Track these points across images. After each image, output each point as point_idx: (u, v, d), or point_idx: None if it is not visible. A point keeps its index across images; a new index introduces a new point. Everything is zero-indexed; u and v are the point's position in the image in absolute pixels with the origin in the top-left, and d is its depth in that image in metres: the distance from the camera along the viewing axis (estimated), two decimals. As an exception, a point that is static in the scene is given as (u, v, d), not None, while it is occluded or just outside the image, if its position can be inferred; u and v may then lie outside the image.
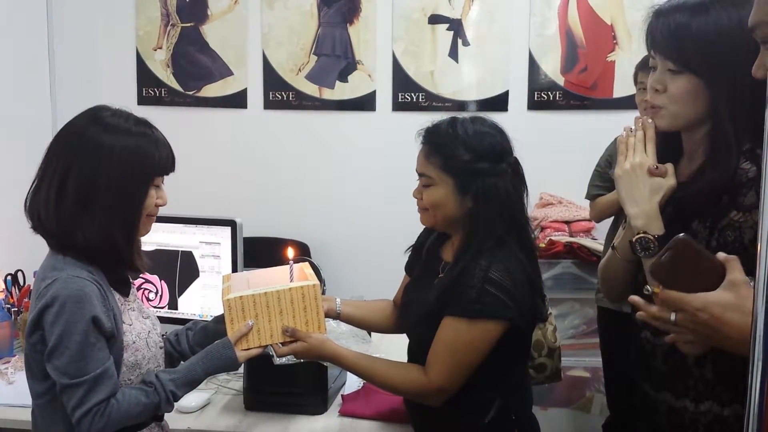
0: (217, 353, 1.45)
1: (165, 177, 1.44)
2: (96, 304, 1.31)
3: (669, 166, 1.24)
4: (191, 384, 1.43)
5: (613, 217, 2.62)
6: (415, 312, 1.56)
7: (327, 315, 1.67)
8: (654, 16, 1.26)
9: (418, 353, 1.53)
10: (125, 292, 1.45)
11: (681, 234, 0.98)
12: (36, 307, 1.31)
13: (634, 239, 1.22)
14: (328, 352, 1.51)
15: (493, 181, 1.45)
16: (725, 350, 1.00)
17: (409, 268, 1.72)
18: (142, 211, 1.39)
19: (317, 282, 1.53)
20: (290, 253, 1.64)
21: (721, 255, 0.99)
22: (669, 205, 1.26)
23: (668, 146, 1.29)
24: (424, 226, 1.67)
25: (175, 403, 1.42)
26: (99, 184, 1.33)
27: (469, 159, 1.45)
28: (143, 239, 1.99)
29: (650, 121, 1.27)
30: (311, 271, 1.62)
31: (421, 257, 1.66)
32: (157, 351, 1.48)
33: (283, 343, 1.50)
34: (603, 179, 2.65)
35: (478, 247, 1.45)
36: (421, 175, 1.52)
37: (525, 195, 1.53)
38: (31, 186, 1.39)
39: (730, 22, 1.17)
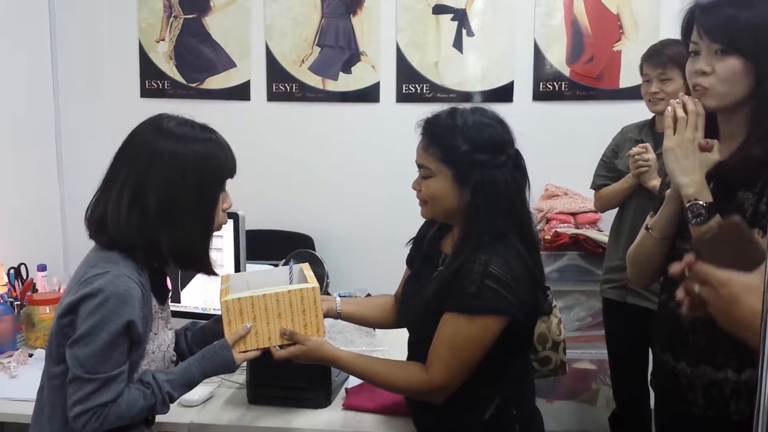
0: (215, 355, 1.44)
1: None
2: (136, 308, 1.32)
3: (715, 142, 1.33)
4: (188, 385, 1.43)
5: (617, 209, 2.60)
6: (413, 306, 1.55)
7: (327, 315, 1.66)
8: (698, 8, 1.35)
9: (418, 348, 1.51)
10: (162, 299, 1.46)
11: (735, 216, 1.00)
12: (78, 291, 1.31)
13: (687, 205, 1.30)
14: (327, 355, 1.50)
15: (493, 173, 1.43)
16: (734, 335, 0.98)
17: (410, 260, 1.70)
18: (217, 214, 1.42)
19: (317, 285, 1.52)
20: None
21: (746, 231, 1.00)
22: (711, 180, 1.33)
23: (705, 129, 1.35)
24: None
25: (178, 398, 1.41)
26: (178, 194, 1.36)
27: (467, 150, 1.43)
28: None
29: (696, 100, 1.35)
30: (311, 273, 1.61)
31: (422, 250, 1.64)
32: (169, 365, 1.49)
33: (281, 346, 1.49)
34: (608, 169, 2.62)
35: (477, 240, 1.43)
36: (420, 166, 1.50)
37: (527, 188, 1.50)
38: (94, 197, 1.41)
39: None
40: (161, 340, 1.44)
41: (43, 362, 1.88)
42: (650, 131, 2.53)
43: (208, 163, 1.39)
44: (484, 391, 1.47)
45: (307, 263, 1.69)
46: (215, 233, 1.46)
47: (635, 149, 2.40)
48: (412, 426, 1.70)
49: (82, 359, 1.29)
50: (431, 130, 1.48)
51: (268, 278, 1.63)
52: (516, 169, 1.47)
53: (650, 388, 2.72)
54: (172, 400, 1.40)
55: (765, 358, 0.76)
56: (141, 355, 1.38)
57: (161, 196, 1.35)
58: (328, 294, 2.06)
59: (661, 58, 2.39)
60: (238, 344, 1.47)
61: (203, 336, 1.58)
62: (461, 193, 1.44)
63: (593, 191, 2.71)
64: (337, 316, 1.71)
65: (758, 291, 0.93)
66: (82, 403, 1.29)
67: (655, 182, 2.31)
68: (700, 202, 1.28)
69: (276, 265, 2.16)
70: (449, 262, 1.47)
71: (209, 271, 1.46)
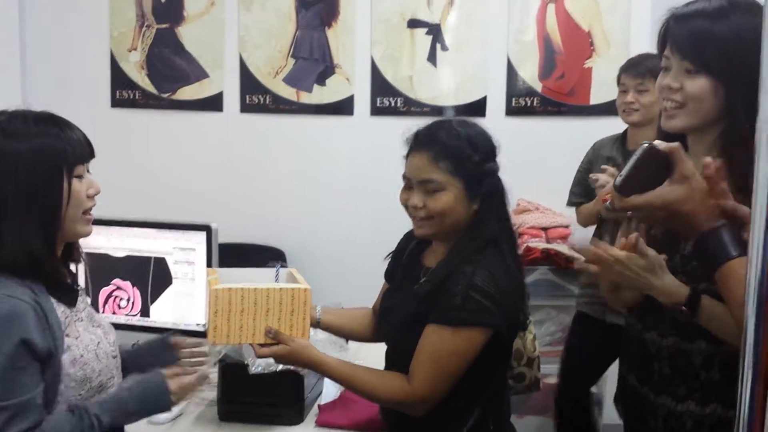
0: (153, 396, 1.37)
1: (91, 166, 1.37)
2: (29, 325, 1.23)
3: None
4: (120, 411, 1.33)
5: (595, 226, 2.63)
6: (395, 318, 1.54)
7: None
8: (673, 20, 1.29)
9: (397, 360, 1.50)
10: (71, 302, 1.37)
11: (644, 142, 0.99)
12: None
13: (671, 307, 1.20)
14: (310, 358, 1.46)
15: (496, 180, 1.46)
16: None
17: (389, 274, 1.69)
18: (61, 212, 1.30)
19: (309, 287, 1.49)
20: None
21: (662, 144, 0.99)
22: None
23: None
24: (404, 231, 1.64)
25: (109, 424, 1.31)
26: (8, 192, 1.26)
27: (479, 159, 1.44)
28: (117, 244, 1.99)
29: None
30: (302, 277, 1.58)
31: (402, 263, 1.63)
32: (110, 361, 1.41)
33: (263, 345, 1.46)
34: (581, 186, 2.65)
35: (465, 252, 1.43)
36: (424, 181, 1.45)
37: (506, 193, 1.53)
38: None
39: (748, 28, 1.20)
40: (87, 341, 1.36)
41: None
42: (621, 146, 2.56)
43: (39, 157, 1.28)
44: (463, 403, 1.46)
45: (295, 268, 1.67)
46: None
47: (593, 176, 2.42)
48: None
49: None
50: (437, 142, 1.45)
51: (254, 277, 1.60)
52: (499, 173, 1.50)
53: (593, 401, 2.77)
54: (102, 426, 1.29)
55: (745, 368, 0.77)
56: (58, 368, 1.28)
57: None
58: None
59: (640, 69, 2.42)
60: (221, 336, 1.44)
61: (137, 356, 1.54)
62: (470, 203, 1.44)
63: (569, 206, 2.74)
64: (317, 324, 1.68)
65: (690, 198, 0.98)
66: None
67: None
68: (683, 308, 1.18)
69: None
70: (433, 273, 1.46)
71: (58, 277, 1.34)
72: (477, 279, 1.38)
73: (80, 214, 1.34)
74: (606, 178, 2.31)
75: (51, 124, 1.32)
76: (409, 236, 1.63)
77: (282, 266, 1.62)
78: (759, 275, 0.71)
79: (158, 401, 1.39)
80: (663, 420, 1.33)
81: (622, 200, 0.99)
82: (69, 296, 1.37)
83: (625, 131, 2.56)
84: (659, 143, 0.99)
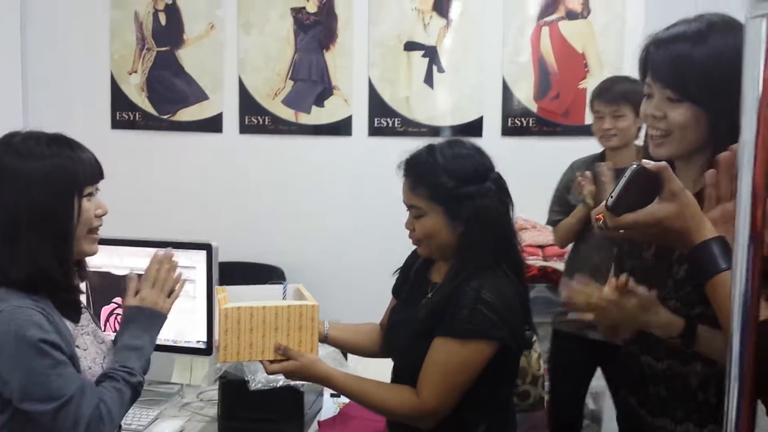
0: (143, 319, 1.44)
1: (100, 187, 1.40)
2: (48, 329, 1.27)
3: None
4: (133, 349, 1.40)
5: (573, 244, 2.64)
6: (402, 333, 1.55)
7: None
8: (653, 45, 1.27)
9: (404, 375, 1.51)
10: (75, 318, 1.41)
11: (634, 163, 1.00)
12: None
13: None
14: (320, 372, 1.48)
15: (481, 201, 1.45)
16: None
17: (397, 290, 1.71)
18: (73, 231, 1.33)
19: (316, 303, 1.52)
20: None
21: (651, 164, 1.00)
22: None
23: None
24: (406, 249, 1.66)
25: (138, 366, 1.39)
26: (21, 213, 1.29)
27: (453, 185, 1.45)
28: (118, 263, 2.01)
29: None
30: (309, 294, 1.61)
31: (409, 279, 1.66)
32: None
33: (273, 361, 1.48)
34: (561, 204, 2.66)
35: (470, 268, 1.45)
36: (410, 206, 1.51)
37: (511, 208, 1.53)
38: None
39: (728, 49, 1.18)
40: (94, 354, 1.40)
41: None
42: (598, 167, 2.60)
43: (52, 178, 1.31)
44: (469, 418, 1.47)
45: (301, 284, 1.69)
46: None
47: (579, 178, 2.46)
48: (385, 457, 1.70)
49: (45, 398, 1.24)
50: (414, 170, 1.50)
51: (262, 294, 1.62)
52: (500, 191, 1.50)
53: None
54: (133, 370, 1.37)
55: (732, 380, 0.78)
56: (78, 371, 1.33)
57: (6, 219, 1.29)
58: None
59: (613, 94, 2.44)
60: (232, 354, 1.47)
61: None
62: (455, 226, 1.46)
63: (549, 225, 2.75)
64: (324, 339, 1.70)
65: (680, 215, 0.99)
66: (79, 421, 1.26)
67: None
68: (677, 338, 1.19)
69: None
70: (440, 289, 1.49)
71: (71, 291, 1.37)
72: (483, 293, 1.41)
73: (87, 233, 1.37)
74: (590, 188, 2.40)
75: (63, 145, 1.36)
76: (416, 253, 1.65)
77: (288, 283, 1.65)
78: (743, 290, 0.73)
79: (149, 320, 1.45)
80: None
81: (614, 219, 1.01)
82: (74, 313, 1.40)
83: (603, 152, 2.60)
84: (648, 163, 1.01)
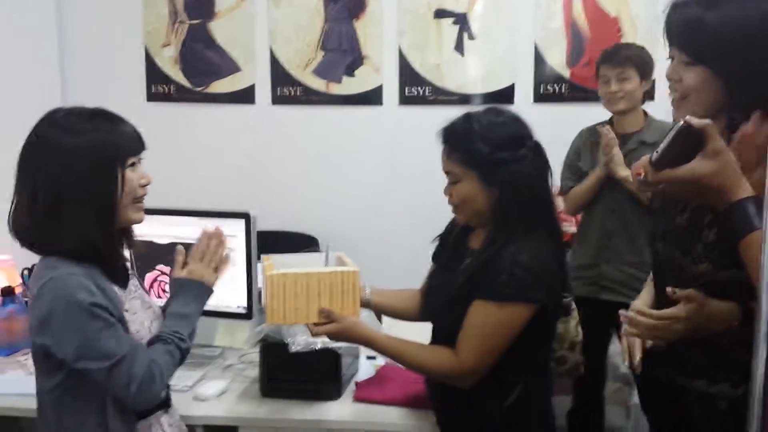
0: (191, 291, 1.52)
1: (141, 158, 1.46)
2: (95, 293, 1.33)
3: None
4: (183, 317, 1.48)
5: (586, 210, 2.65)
6: (441, 297, 1.60)
7: None
8: (671, 9, 1.29)
9: (443, 337, 1.56)
10: (123, 284, 1.47)
11: (681, 120, 1.00)
12: (37, 309, 1.33)
13: None
14: (362, 334, 1.55)
15: (515, 167, 1.48)
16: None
17: (437, 257, 1.75)
18: (116, 200, 1.39)
19: (357, 269, 1.59)
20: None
21: (696, 121, 1.00)
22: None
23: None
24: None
25: (186, 333, 1.47)
26: (66, 185, 1.34)
27: (488, 151, 1.48)
28: (161, 231, 2.07)
29: None
30: (350, 260, 1.68)
31: (448, 246, 1.70)
32: None
33: (317, 324, 1.56)
34: (573, 171, 2.68)
35: (507, 233, 1.48)
36: (447, 173, 1.56)
37: (549, 176, 1.56)
38: (11, 203, 1.40)
39: (743, 15, 1.20)
40: (142, 318, 1.47)
41: None
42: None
43: (95, 149, 1.36)
44: (506, 379, 1.52)
45: (343, 252, 1.75)
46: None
47: (606, 136, 2.47)
48: (419, 417, 1.76)
49: (98, 356, 1.31)
50: (450, 137, 1.54)
51: (306, 261, 1.72)
52: (537, 158, 1.53)
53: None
54: (182, 335, 1.45)
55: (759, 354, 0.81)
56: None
57: (49, 191, 1.34)
58: None
59: (619, 58, 2.49)
60: (278, 317, 1.56)
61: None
62: (490, 192, 1.50)
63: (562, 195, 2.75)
64: (367, 304, 1.77)
65: (721, 172, 1.00)
66: (133, 380, 1.33)
67: (625, 173, 2.40)
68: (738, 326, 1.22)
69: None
70: (479, 254, 1.53)
71: (115, 258, 1.44)
72: (521, 257, 1.44)
73: (132, 202, 1.43)
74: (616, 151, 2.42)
75: (104, 119, 1.41)
76: (455, 220, 1.69)
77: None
78: None
79: (198, 291, 1.53)
80: (699, 402, 1.35)
81: (656, 174, 1.02)
82: (122, 278, 1.47)
83: (611, 118, 2.60)
84: (693, 120, 1.01)
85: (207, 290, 1.55)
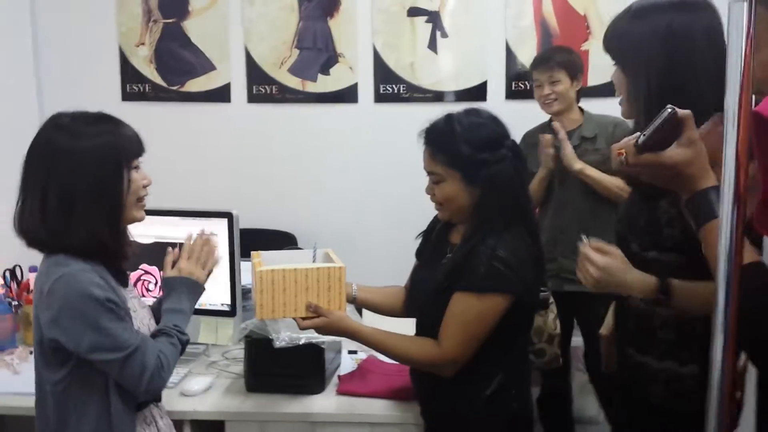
0: (186, 288, 1.59)
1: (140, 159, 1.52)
2: (107, 289, 1.40)
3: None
4: (180, 312, 1.56)
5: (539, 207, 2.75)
6: (424, 290, 1.67)
7: None
8: (611, 22, 1.47)
9: (426, 329, 1.63)
10: (124, 283, 1.54)
11: (668, 107, 1.06)
12: (49, 306, 1.38)
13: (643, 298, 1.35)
14: (348, 327, 1.62)
15: (497, 167, 1.55)
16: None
17: (419, 253, 1.82)
18: (123, 200, 1.46)
19: (343, 265, 1.65)
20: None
21: (679, 111, 1.06)
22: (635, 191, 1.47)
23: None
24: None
25: (183, 327, 1.55)
26: (77, 187, 1.41)
27: (470, 152, 1.55)
28: (143, 231, 2.10)
29: None
30: (337, 257, 1.74)
31: (431, 242, 1.76)
32: None
33: (305, 318, 1.62)
34: None
35: (486, 229, 1.55)
36: (430, 173, 1.62)
37: (526, 175, 1.64)
38: (17, 205, 1.46)
39: (654, 27, 1.36)
40: (141, 316, 1.55)
41: None
42: (549, 133, 2.72)
43: (103, 151, 1.42)
44: (486, 368, 1.59)
45: (330, 248, 1.81)
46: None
47: (543, 140, 2.66)
48: (402, 408, 1.82)
49: (113, 347, 1.38)
50: (433, 138, 1.61)
51: (294, 258, 1.78)
52: (516, 158, 1.60)
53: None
54: (181, 329, 1.54)
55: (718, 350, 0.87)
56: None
57: (62, 193, 1.40)
58: None
59: (549, 63, 2.67)
60: (267, 312, 1.62)
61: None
62: (472, 190, 1.57)
63: None
64: (353, 300, 1.83)
65: (695, 160, 1.06)
66: (146, 370, 1.41)
67: (579, 166, 2.55)
68: (660, 297, 1.31)
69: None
70: (459, 248, 1.60)
71: (121, 256, 1.50)
72: (499, 251, 1.51)
73: (136, 202, 1.50)
74: (549, 151, 2.62)
75: (109, 122, 1.48)
76: (437, 217, 1.76)
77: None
78: (728, 244, 0.82)
79: (189, 288, 1.59)
80: (666, 383, 1.43)
81: (637, 157, 1.08)
82: (123, 277, 1.53)
83: (549, 119, 2.73)
84: (677, 109, 1.06)
85: (197, 287, 1.61)
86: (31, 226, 1.43)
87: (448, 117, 1.61)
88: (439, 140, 1.60)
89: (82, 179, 1.41)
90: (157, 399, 1.58)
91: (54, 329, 1.38)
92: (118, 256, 1.49)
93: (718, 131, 1.09)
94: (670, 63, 1.33)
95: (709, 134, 1.12)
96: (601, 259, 1.32)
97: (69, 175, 1.40)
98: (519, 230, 1.57)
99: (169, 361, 1.46)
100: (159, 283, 2.14)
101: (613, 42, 1.45)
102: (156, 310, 1.64)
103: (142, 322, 1.53)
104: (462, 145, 1.56)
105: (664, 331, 1.44)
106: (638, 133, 1.06)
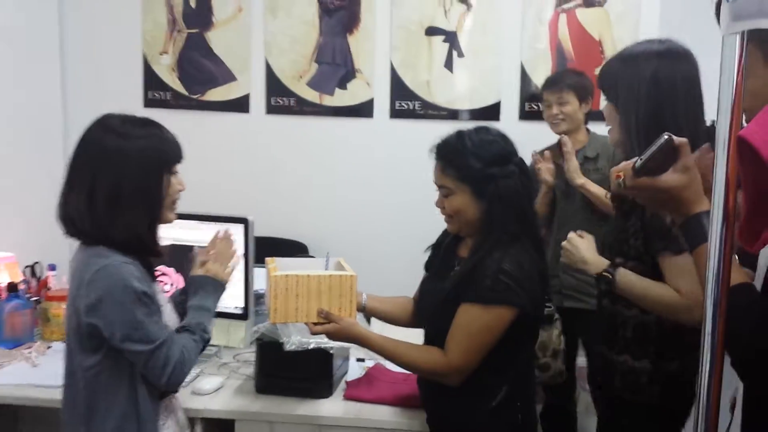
0: (210, 288, 1.69)
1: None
2: (144, 281, 1.50)
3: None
4: (204, 309, 1.65)
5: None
6: (431, 301, 1.72)
7: None
8: (604, 64, 1.73)
9: (434, 339, 1.68)
10: (154, 279, 1.63)
11: (664, 134, 1.10)
12: (90, 293, 1.47)
13: (596, 276, 1.66)
14: (357, 334, 1.67)
15: (505, 182, 1.61)
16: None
17: (428, 265, 1.87)
18: (163, 200, 1.57)
19: (355, 274, 1.72)
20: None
21: (675, 138, 1.11)
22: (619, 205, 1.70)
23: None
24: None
25: (207, 324, 1.64)
26: (123, 185, 1.51)
27: (480, 167, 1.61)
28: (161, 234, 2.17)
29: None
30: (348, 266, 1.81)
31: (439, 255, 1.81)
32: None
33: (316, 324, 1.68)
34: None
35: (492, 242, 1.60)
36: (440, 187, 1.68)
37: (533, 191, 1.70)
38: (60, 196, 1.56)
39: (639, 72, 1.62)
40: (168, 310, 1.64)
41: (61, 353, 2.06)
42: (558, 153, 2.77)
43: (149, 155, 1.53)
44: (492, 380, 1.63)
45: (342, 257, 1.88)
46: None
47: (535, 158, 2.76)
48: (407, 415, 1.87)
49: (143, 339, 1.47)
50: (444, 154, 1.67)
51: (307, 265, 1.86)
52: (522, 175, 1.66)
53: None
54: (205, 327, 1.62)
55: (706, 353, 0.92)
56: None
57: (109, 190, 1.49)
58: None
59: (559, 85, 2.75)
60: (281, 316, 1.69)
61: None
62: (480, 204, 1.63)
63: None
64: (363, 309, 1.89)
65: (689, 186, 1.11)
66: (168, 363, 1.49)
67: (581, 180, 2.62)
68: (605, 274, 1.63)
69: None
70: (467, 261, 1.65)
71: (156, 253, 1.60)
72: (505, 264, 1.57)
73: (170, 204, 1.60)
74: (547, 165, 2.74)
75: (154, 127, 1.58)
76: (446, 231, 1.81)
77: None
78: (716, 264, 0.87)
79: (214, 287, 1.69)
80: (621, 375, 1.68)
81: (634, 180, 1.13)
82: (152, 273, 1.62)
83: (558, 140, 2.78)
84: (674, 136, 1.12)
85: (221, 286, 1.71)
86: (76, 217, 1.52)
87: (459, 133, 1.67)
88: (450, 155, 1.66)
89: (128, 179, 1.50)
90: (175, 390, 1.66)
91: (93, 315, 1.46)
92: (152, 253, 1.58)
93: (707, 158, 1.16)
94: (654, 104, 1.61)
95: (698, 161, 1.18)
96: (574, 237, 1.72)
97: (116, 174, 1.50)
98: (525, 244, 1.62)
99: (191, 356, 1.55)
100: (174, 285, 2.21)
101: (606, 83, 1.71)
102: (177, 303, 1.73)
103: (170, 316, 1.63)
104: (472, 160, 1.62)
105: (624, 329, 1.68)
106: (636, 158, 1.12)
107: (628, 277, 1.60)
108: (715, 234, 0.85)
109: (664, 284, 1.55)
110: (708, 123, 1.66)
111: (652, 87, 1.60)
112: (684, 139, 1.11)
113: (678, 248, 1.52)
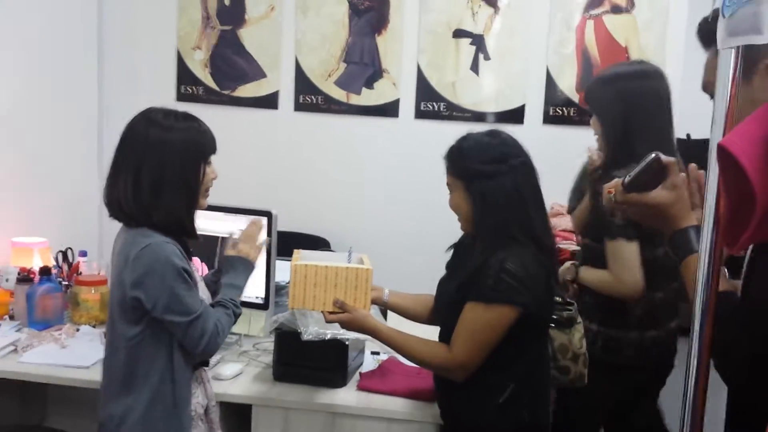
0: (240, 267, 1.82)
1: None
2: (184, 260, 1.63)
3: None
4: (235, 288, 1.79)
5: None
6: (444, 299, 1.79)
7: (375, 302, 1.91)
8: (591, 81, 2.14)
9: (446, 337, 1.73)
10: (190, 257, 1.76)
11: (652, 153, 1.16)
12: (135, 269, 1.60)
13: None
14: (370, 325, 1.75)
15: (495, 181, 1.64)
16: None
17: (449, 264, 1.91)
18: (201, 187, 1.71)
19: (371, 268, 1.79)
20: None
21: (664, 157, 1.17)
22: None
23: None
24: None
25: (239, 300, 1.79)
26: (166, 173, 1.65)
27: (471, 164, 1.67)
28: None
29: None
30: (368, 261, 1.88)
31: (459, 255, 1.87)
32: None
33: (332, 312, 1.77)
34: (575, 192, 2.80)
35: (492, 242, 1.65)
36: (447, 185, 1.76)
37: (533, 194, 1.69)
38: (107, 182, 1.69)
39: (616, 92, 2.02)
40: (202, 289, 1.76)
41: (89, 336, 2.16)
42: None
43: (190, 146, 1.67)
44: (498, 377, 1.68)
45: (366, 254, 1.96)
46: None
47: (590, 153, 2.66)
48: (418, 407, 1.92)
49: (183, 311, 1.60)
50: (449, 153, 1.75)
51: (330, 258, 1.95)
52: (521, 177, 1.67)
53: None
54: (237, 302, 1.76)
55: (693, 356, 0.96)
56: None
57: (154, 177, 1.63)
58: None
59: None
60: (299, 302, 1.79)
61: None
62: (472, 200, 1.68)
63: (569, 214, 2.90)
64: (384, 304, 1.96)
65: (676, 202, 1.16)
66: (205, 333, 1.62)
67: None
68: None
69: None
70: (472, 260, 1.69)
71: (193, 235, 1.73)
72: (507, 264, 1.61)
73: (204, 192, 1.73)
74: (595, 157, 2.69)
75: (193, 120, 1.71)
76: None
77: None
78: (705, 271, 0.90)
79: (245, 267, 1.83)
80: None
81: (624, 195, 1.19)
82: (189, 253, 1.74)
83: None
84: (661, 155, 1.18)
85: (252, 265, 1.84)
86: (123, 201, 1.65)
87: (467, 135, 1.73)
88: (452, 153, 1.73)
89: (170, 167, 1.65)
90: (206, 363, 1.80)
91: (137, 289, 1.60)
92: (190, 234, 1.72)
93: (695, 177, 1.22)
94: (629, 118, 1.98)
95: (686, 181, 1.22)
96: None
97: (160, 163, 1.64)
98: (528, 246, 1.64)
99: (225, 328, 1.68)
100: (201, 273, 2.28)
101: (589, 100, 2.14)
102: (209, 283, 1.87)
103: (204, 292, 1.76)
104: (467, 157, 1.69)
105: (588, 296, 2.09)
106: (627, 175, 1.17)
107: (587, 273, 2.06)
108: (705, 239, 0.89)
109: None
110: (683, 135, 1.75)
111: (628, 104, 1.98)
112: (672, 159, 1.17)
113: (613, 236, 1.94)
